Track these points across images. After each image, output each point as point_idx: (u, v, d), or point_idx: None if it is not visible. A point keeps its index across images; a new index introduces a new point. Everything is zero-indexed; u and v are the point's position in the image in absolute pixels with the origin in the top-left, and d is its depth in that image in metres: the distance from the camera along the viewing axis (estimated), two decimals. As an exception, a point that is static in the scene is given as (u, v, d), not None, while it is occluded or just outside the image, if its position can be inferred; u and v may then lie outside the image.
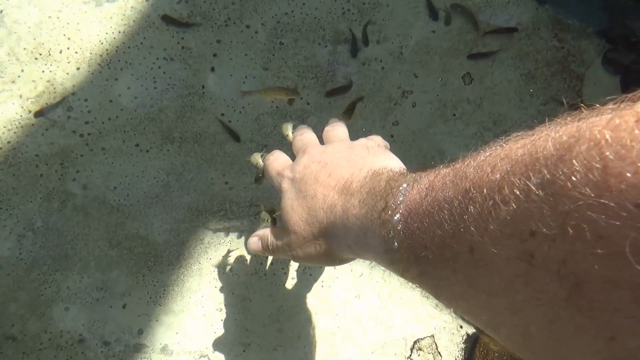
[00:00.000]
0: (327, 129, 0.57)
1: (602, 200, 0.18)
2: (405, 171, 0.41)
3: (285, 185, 0.50)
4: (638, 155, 0.17)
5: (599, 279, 0.18)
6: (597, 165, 0.18)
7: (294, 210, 0.48)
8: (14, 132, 0.77)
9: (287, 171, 0.52)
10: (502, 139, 0.27)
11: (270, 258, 0.79)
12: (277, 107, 0.83)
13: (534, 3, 0.89)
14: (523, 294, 0.22)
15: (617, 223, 0.17)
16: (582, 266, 0.19)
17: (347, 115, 0.83)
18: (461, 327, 0.79)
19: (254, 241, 0.55)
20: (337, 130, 0.57)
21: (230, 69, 0.84)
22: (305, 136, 0.56)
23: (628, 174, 0.17)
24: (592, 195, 0.18)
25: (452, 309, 0.33)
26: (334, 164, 0.47)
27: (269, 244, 0.52)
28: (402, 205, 0.33)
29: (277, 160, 0.55)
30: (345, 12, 0.88)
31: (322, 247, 0.46)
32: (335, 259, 0.47)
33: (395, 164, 0.47)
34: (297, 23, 0.86)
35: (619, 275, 0.18)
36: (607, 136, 0.19)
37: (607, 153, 0.18)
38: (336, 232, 0.43)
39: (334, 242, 0.44)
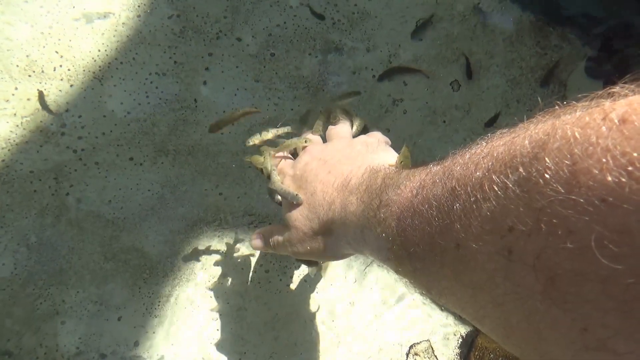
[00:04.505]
0: (330, 126, 0.59)
1: (572, 197, 0.18)
2: (400, 168, 0.42)
3: (287, 182, 0.51)
4: (603, 152, 0.18)
5: (570, 273, 0.19)
6: (567, 162, 0.19)
7: (295, 206, 0.49)
8: (8, 150, 0.77)
9: (288, 168, 0.53)
10: (487, 135, 0.27)
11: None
12: (269, 117, 0.84)
13: (517, 11, 0.91)
14: (503, 288, 0.23)
15: (586, 218, 0.18)
16: (555, 260, 0.20)
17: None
18: (461, 329, 0.79)
19: (256, 239, 0.56)
20: (340, 127, 0.58)
21: (222, 82, 0.85)
22: (307, 135, 0.57)
23: (595, 171, 0.18)
24: (563, 191, 0.19)
25: (443, 304, 0.33)
26: (334, 161, 0.48)
27: (271, 240, 0.53)
28: (395, 203, 0.34)
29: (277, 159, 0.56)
30: (335, 23, 0.89)
31: (322, 243, 0.47)
32: (335, 254, 0.48)
33: (393, 160, 0.48)
34: (288, 34, 0.88)
35: (588, 268, 0.18)
36: (577, 134, 0.19)
37: (576, 150, 0.19)
38: (335, 229, 0.44)
39: (334, 238, 0.45)
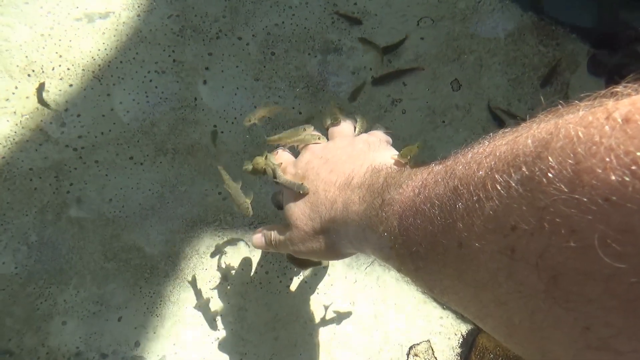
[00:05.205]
0: (332, 125, 0.59)
1: (575, 196, 0.18)
2: (403, 167, 0.42)
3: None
4: (606, 152, 0.18)
5: (573, 272, 0.19)
6: (570, 162, 0.19)
7: (297, 205, 0.49)
8: (9, 148, 0.77)
9: (289, 167, 0.53)
10: (489, 135, 0.27)
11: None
12: (268, 118, 0.84)
13: (518, 10, 0.91)
14: (506, 287, 0.23)
15: (589, 217, 0.18)
16: (557, 259, 0.19)
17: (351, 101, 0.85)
18: (461, 329, 0.79)
19: (258, 237, 0.56)
20: (342, 126, 0.58)
21: (222, 81, 0.85)
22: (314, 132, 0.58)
23: (598, 170, 0.18)
24: (566, 190, 0.19)
25: (445, 302, 0.34)
26: (336, 160, 0.48)
27: (272, 239, 0.53)
28: (397, 202, 0.34)
29: (280, 157, 0.56)
30: (334, 22, 0.89)
31: (323, 242, 0.47)
32: (337, 253, 0.48)
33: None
34: (287, 34, 0.88)
35: (591, 267, 0.18)
36: (580, 133, 0.19)
37: (579, 150, 0.19)
38: (337, 227, 0.44)
39: (335, 237, 0.45)
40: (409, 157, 0.45)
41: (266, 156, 0.57)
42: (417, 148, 0.47)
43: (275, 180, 0.53)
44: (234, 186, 0.62)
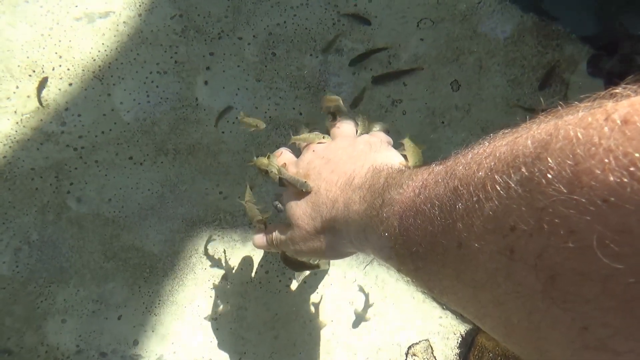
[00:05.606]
0: (334, 126, 0.59)
1: (574, 196, 0.19)
2: (404, 167, 0.42)
3: None
4: (605, 153, 0.18)
5: (571, 272, 0.19)
6: (570, 163, 0.19)
7: (298, 205, 0.49)
8: (9, 147, 0.77)
9: (291, 167, 0.54)
10: (490, 135, 0.28)
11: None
12: (270, 117, 0.84)
13: (518, 11, 0.91)
14: (504, 287, 0.23)
15: (587, 218, 0.18)
16: (556, 260, 0.20)
17: (354, 105, 0.85)
18: (460, 328, 0.80)
19: (259, 237, 0.56)
20: (344, 126, 0.58)
21: (222, 81, 0.85)
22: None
23: (597, 171, 0.18)
24: (565, 191, 0.19)
25: (444, 302, 0.34)
26: (337, 160, 0.49)
27: (273, 238, 0.53)
28: (398, 203, 0.34)
29: (282, 157, 0.57)
30: (335, 23, 0.89)
31: (324, 241, 0.47)
32: (338, 253, 0.48)
33: (396, 159, 0.48)
34: (288, 34, 0.88)
35: (589, 267, 0.18)
36: (579, 134, 0.19)
37: (579, 151, 0.19)
38: (338, 227, 0.44)
39: (336, 236, 0.45)
40: (416, 160, 0.46)
41: (268, 156, 0.57)
42: (412, 142, 0.48)
43: (279, 176, 0.53)
44: (250, 206, 0.62)
